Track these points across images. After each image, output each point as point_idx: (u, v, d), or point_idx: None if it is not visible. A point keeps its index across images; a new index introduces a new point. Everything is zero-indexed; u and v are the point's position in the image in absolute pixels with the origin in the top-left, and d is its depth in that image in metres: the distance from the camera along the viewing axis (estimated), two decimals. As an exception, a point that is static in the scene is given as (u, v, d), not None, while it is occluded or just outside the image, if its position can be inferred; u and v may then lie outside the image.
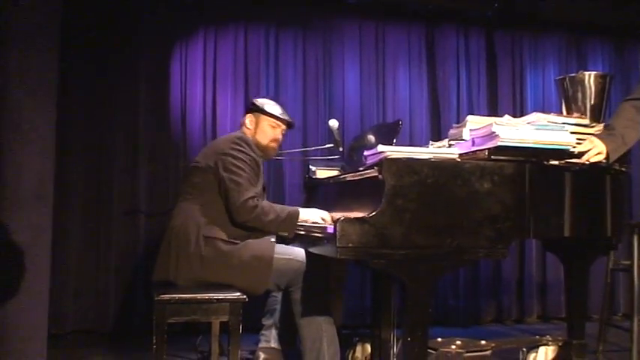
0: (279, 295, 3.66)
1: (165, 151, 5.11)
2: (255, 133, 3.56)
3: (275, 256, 3.27)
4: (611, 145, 2.96)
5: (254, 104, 3.62)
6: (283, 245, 3.35)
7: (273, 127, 3.60)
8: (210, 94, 5.21)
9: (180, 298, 2.92)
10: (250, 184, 3.27)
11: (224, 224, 3.25)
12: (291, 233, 3.27)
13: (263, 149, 3.55)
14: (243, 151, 3.32)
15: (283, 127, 3.64)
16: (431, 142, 3.51)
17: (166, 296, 2.90)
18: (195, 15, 5.20)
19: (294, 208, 3.36)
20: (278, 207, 3.32)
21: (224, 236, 3.22)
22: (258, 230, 3.29)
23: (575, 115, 3.39)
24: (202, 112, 5.17)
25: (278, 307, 3.66)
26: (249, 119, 3.59)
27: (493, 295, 5.76)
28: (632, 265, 3.86)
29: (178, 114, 5.15)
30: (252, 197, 3.23)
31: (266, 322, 3.74)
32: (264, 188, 3.50)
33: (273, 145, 3.63)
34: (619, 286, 5.85)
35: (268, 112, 3.58)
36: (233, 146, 3.33)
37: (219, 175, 3.26)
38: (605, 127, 3.09)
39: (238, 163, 3.27)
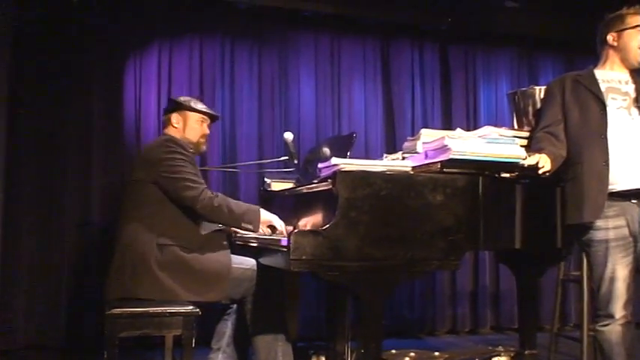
0: (229, 319, 3.58)
1: (119, 164, 5.04)
2: (183, 131, 3.51)
3: (232, 265, 3.25)
4: (551, 157, 3.03)
5: (178, 103, 3.55)
6: (236, 255, 3.34)
7: (201, 122, 3.58)
8: (165, 106, 5.15)
9: (132, 312, 2.88)
10: (198, 177, 3.26)
11: (177, 232, 3.21)
12: (256, 228, 3.23)
13: (194, 145, 3.51)
14: (176, 151, 3.25)
15: (209, 121, 3.62)
16: (385, 155, 3.54)
17: (118, 310, 2.86)
18: (149, 27, 5.16)
19: (256, 206, 3.35)
20: (237, 201, 3.32)
21: (179, 243, 3.18)
22: (219, 223, 3.27)
23: (526, 128, 3.46)
24: (156, 124, 5.12)
25: (228, 331, 3.59)
26: (175, 118, 3.51)
27: (448, 306, 5.82)
28: (581, 276, 3.93)
29: (132, 126, 5.09)
30: (206, 189, 3.22)
31: (214, 345, 3.67)
32: None
33: (203, 140, 3.60)
34: (571, 296, 5.95)
35: (195, 109, 3.54)
36: (165, 149, 3.25)
37: (162, 183, 3.20)
38: (528, 149, 3.15)
39: (178, 164, 3.22)
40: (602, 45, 3.17)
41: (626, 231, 2.95)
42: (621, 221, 2.95)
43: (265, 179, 4.08)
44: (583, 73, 3.18)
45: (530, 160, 2.92)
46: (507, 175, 3.10)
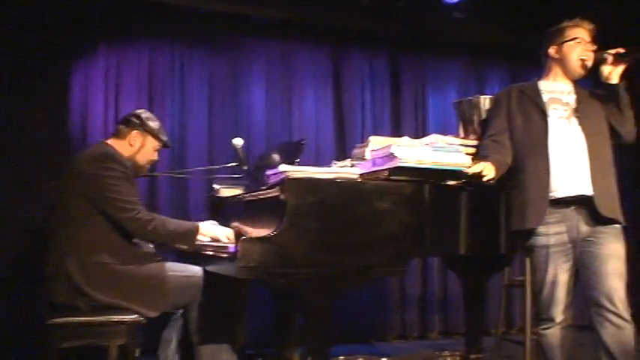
0: (175, 326, 3.51)
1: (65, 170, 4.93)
2: (137, 152, 3.43)
3: (172, 274, 3.21)
4: (495, 165, 3.08)
5: (142, 122, 3.45)
6: (179, 264, 3.30)
7: (156, 150, 3.53)
8: (112, 112, 5.07)
9: (73, 322, 2.82)
10: (134, 197, 3.18)
11: (110, 248, 3.13)
12: (192, 246, 3.20)
13: (138, 167, 3.45)
14: (113, 168, 3.17)
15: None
16: (334, 162, 3.57)
17: (59, 320, 2.80)
18: (95, 32, 5.07)
19: (194, 223, 3.30)
20: (175, 220, 3.27)
21: (112, 260, 3.11)
22: (153, 244, 3.23)
23: (472, 136, 3.52)
24: (104, 130, 5.03)
25: (174, 339, 3.50)
26: (134, 137, 3.42)
27: (397, 312, 5.86)
28: (525, 281, 4.02)
29: (79, 134, 4.99)
30: (142, 209, 3.15)
31: (160, 354, 3.58)
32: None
33: (148, 165, 3.57)
34: (516, 301, 6.06)
35: (159, 137, 3.49)
36: (102, 166, 3.16)
37: (95, 199, 3.11)
38: (474, 157, 3.23)
39: (114, 182, 3.13)
40: (545, 57, 3.26)
41: (566, 237, 3.02)
42: (561, 228, 3.02)
43: (214, 185, 4.06)
44: (528, 84, 3.27)
45: (475, 168, 2.97)
46: (453, 182, 3.16)
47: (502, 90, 3.42)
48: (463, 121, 3.68)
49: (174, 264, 3.28)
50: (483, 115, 3.53)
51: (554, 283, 3.02)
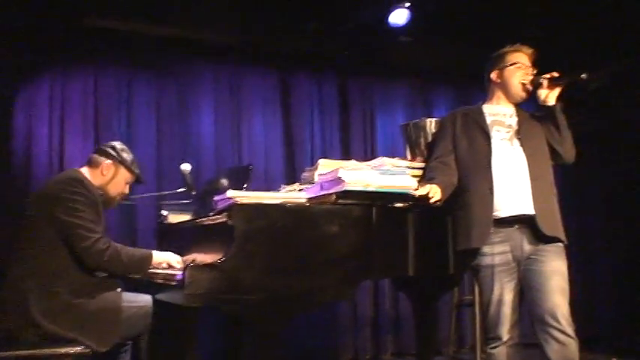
0: (125, 357, 3.43)
1: (8, 198, 4.82)
2: (108, 182, 3.39)
3: (126, 304, 3.16)
4: (441, 186, 3.13)
5: (117, 153, 3.42)
6: (130, 293, 3.25)
7: (127, 183, 3.50)
8: (57, 138, 4.99)
9: (18, 355, 2.75)
10: (95, 225, 3.12)
11: (67, 276, 3.07)
12: (145, 275, 3.18)
13: (108, 199, 3.41)
14: (80, 193, 3.13)
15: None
16: (282, 186, 3.57)
17: (2, 353, 2.72)
18: (40, 57, 5.00)
19: (148, 250, 3.27)
20: (130, 249, 3.22)
21: (68, 288, 3.04)
22: (108, 274, 3.17)
23: (419, 159, 3.58)
24: (49, 157, 4.94)
25: None
26: (107, 167, 3.37)
27: (349, 334, 5.85)
28: (474, 300, 4.07)
29: (22, 159, 4.89)
30: (100, 238, 3.09)
31: None
32: (105, 229, 3.36)
33: (119, 198, 3.52)
34: (467, 320, 6.12)
35: (133, 171, 3.45)
36: (69, 189, 3.12)
37: (58, 223, 3.06)
38: (421, 179, 3.28)
39: (78, 206, 3.09)
40: (488, 82, 3.35)
41: (510, 256, 3.08)
42: (506, 247, 3.08)
43: (162, 211, 4.02)
44: (472, 108, 3.36)
45: (421, 191, 3.01)
46: (400, 204, 3.20)
47: (447, 114, 3.50)
48: (410, 143, 3.74)
49: (126, 293, 3.23)
50: (430, 138, 3.59)
51: (500, 302, 3.07)
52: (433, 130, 3.61)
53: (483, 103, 3.36)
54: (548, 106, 3.18)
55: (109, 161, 3.39)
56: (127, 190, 3.52)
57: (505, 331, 3.07)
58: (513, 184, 3.08)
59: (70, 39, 5.03)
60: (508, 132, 3.21)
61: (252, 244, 2.73)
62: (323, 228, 2.88)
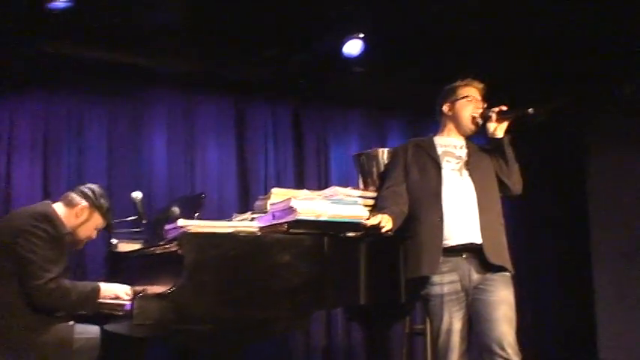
0: None
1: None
2: (80, 225, 3.34)
3: (76, 337, 3.10)
4: (392, 216, 3.17)
5: (95, 197, 3.37)
6: (79, 324, 3.19)
7: (97, 229, 3.45)
8: (4, 164, 4.88)
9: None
10: (51, 264, 3.05)
11: (21, 310, 3.00)
12: (92, 311, 3.13)
13: (75, 241, 3.38)
14: (44, 229, 3.08)
15: None
16: (235, 215, 3.55)
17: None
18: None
19: (95, 284, 3.20)
20: (79, 285, 3.16)
21: (23, 323, 2.99)
22: (59, 311, 3.11)
23: (371, 188, 3.60)
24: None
25: None
26: (82, 210, 3.33)
27: (302, 364, 5.82)
28: (425, 329, 4.09)
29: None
30: (53, 278, 3.01)
31: None
32: (67, 268, 3.30)
33: (86, 241, 3.48)
34: (419, 349, 6.13)
35: (106, 218, 3.41)
36: (34, 223, 3.07)
37: (15, 256, 3.01)
38: (373, 208, 3.31)
39: (39, 242, 3.04)
40: (439, 114, 3.44)
41: (458, 286, 3.13)
42: (454, 277, 3.13)
43: (112, 240, 3.96)
44: (424, 139, 3.45)
45: (373, 220, 3.04)
46: (352, 234, 3.21)
47: (400, 144, 3.56)
48: (362, 173, 3.76)
49: (76, 325, 3.16)
50: (382, 168, 3.63)
51: (449, 331, 3.11)
52: (386, 160, 3.65)
53: (435, 134, 3.44)
54: (497, 139, 3.27)
55: (85, 204, 3.34)
56: (94, 236, 3.49)
57: (457, 356, 3.09)
58: (462, 213, 3.14)
59: (21, 63, 4.96)
60: (458, 163, 3.28)
61: (202, 274, 2.71)
62: (274, 258, 2.87)
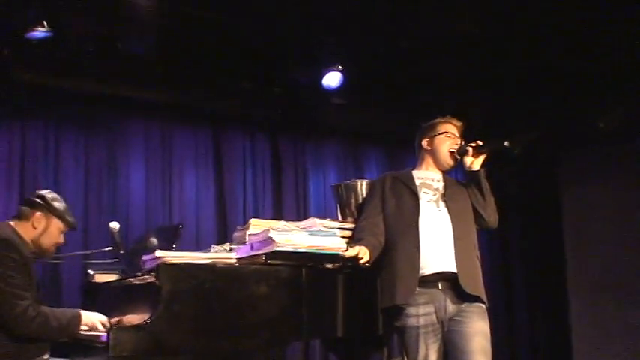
0: None
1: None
2: (41, 235, 3.23)
3: None
4: (369, 248, 3.18)
5: (47, 203, 3.26)
6: (55, 358, 3.13)
7: (61, 232, 3.39)
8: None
9: None
10: (23, 291, 2.96)
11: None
12: (72, 337, 3.03)
13: (43, 251, 3.27)
14: (8, 256, 2.98)
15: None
16: (212, 246, 3.54)
17: None
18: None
19: (76, 310, 3.12)
20: (58, 311, 3.07)
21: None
22: (40, 339, 3.06)
23: (349, 219, 3.62)
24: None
25: None
26: (38, 220, 3.21)
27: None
28: (402, 361, 4.08)
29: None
30: (29, 305, 2.93)
31: None
32: (38, 288, 3.24)
33: (54, 248, 3.41)
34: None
35: (65, 219, 3.29)
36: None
37: None
38: (351, 239, 3.34)
39: (8, 271, 2.93)
40: (418, 149, 3.49)
41: (434, 317, 3.13)
42: (430, 308, 3.12)
43: (89, 270, 3.92)
44: (402, 172, 3.50)
45: (350, 252, 3.04)
46: (330, 265, 3.22)
47: (378, 177, 3.60)
48: (341, 204, 3.78)
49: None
50: (360, 199, 3.65)
51: None
52: (364, 192, 3.68)
53: (413, 168, 3.49)
54: (473, 172, 3.33)
55: (39, 213, 3.23)
56: (62, 240, 3.36)
57: None
58: (438, 242, 3.17)
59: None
60: (435, 194, 3.32)
61: (179, 305, 2.70)
62: (252, 288, 2.87)
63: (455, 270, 3.12)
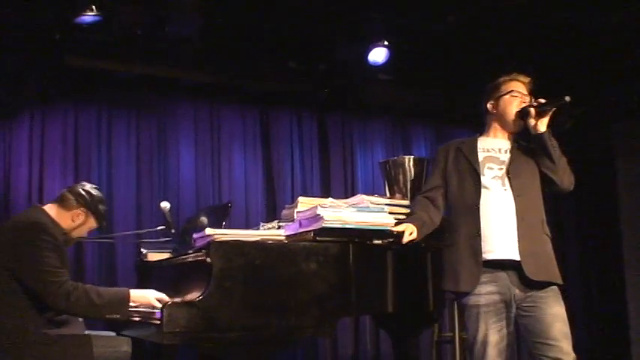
0: None
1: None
2: (74, 227, 3.30)
3: (100, 349, 3.06)
4: (418, 224, 3.08)
5: (93, 203, 3.30)
6: (104, 334, 3.20)
7: (91, 230, 3.44)
8: (37, 177, 4.98)
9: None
10: (58, 269, 3.02)
11: (28, 325, 2.98)
12: (124, 315, 3.02)
13: (68, 239, 3.34)
14: (43, 239, 3.04)
15: None
16: (262, 224, 3.57)
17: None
18: (18, 95, 5.00)
19: (124, 289, 3.14)
20: (102, 289, 3.08)
21: (31, 338, 2.95)
22: (82, 315, 3.12)
23: (397, 196, 3.61)
24: (28, 196, 4.91)
25: None
26: (78, 215, 3.28)
27: (331, 372, 5.81)
28: (454, 337, 4.07)
29: (1, 199, 4.86)
30: (66, 281, 2.98)
31: None
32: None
33: (78, 239, 3.49)
34: (447, 356, 6.09)
35: (100, 222, 3.37)
36: (31, 235, 3.03)
37: (17, 270, 2.98)
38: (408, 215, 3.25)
39: (39, 252, 2.99)
40: (485, 114, 3.20)
41: (497, 297, 2.95)
42: (493, 288, 2.96)
43: (142, 250, 4.01)
44: (467, 140, 3.22)
45: (398, 228, 3.02)
46: (379, 241, 3.21)
47: (443, 145, 3.34)
48: (388, 180, 3.77)
49: (99, 335, 3.18)
50: (408, 175, 3.63)
51: (484, 342, 2.95)
52: (412, 168, 3.65)
53: (480, 134, 3.22)
54: (539, 135, 3.02)
55: (82, 209, 3.29)
56: (86, 235, 3.48)
57: None
58: (501, 227, 2.97)
59: (50, 78, 5.06)
60: (501, 169, 3.05)
61: (229, 282, 2.73)
62: (301, 265, 2.88)
63: (518, 258, 2.91)
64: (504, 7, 4.78)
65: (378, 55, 5.39)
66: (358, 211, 3.12)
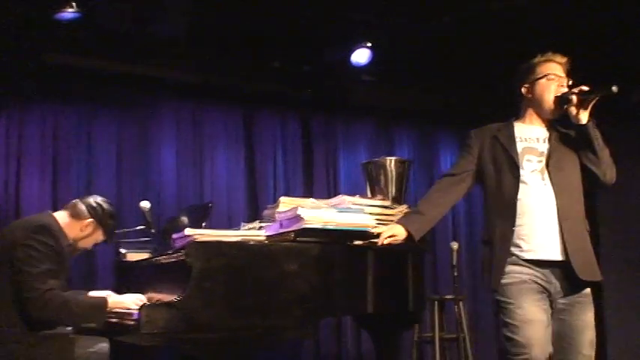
0: None
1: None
2: (82, 238, 3.33)
3: (80, 350, 3.05)
4: (415, 225, 2.94)
5: (104, 217, 3.33)
6: (84, 336, 3.18)
7: (97, 243, 3.45)
8: (14, 177, 4.92)
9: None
10: (48, 277, 3.00)
11: (16, 322, 2.98)
12: (99, 324, 3.06)
13: (74, 249, 3.35)
14: (44, 242, 3.05)
15: None
16: (243, 224, 3.55)
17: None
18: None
19: (101, 297, 3.16)
20: (81, 299, 3.11)
21: (15, 337, 2.96)
22: (58, 323, 3.11)
23: (379, 197, 3.61)
24: (4, 197, 4.85)
25: None
26: (87, 225, 3.30)
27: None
28: (434, 337, 4.08)
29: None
30: (50, 289, 2.97)
31: None
32: (68, 281, 3.29)
33: (83, 249, 3.48)
34: (428, 357, 6.10)
35: (109, 236, 3.40)
36: (33, 236, 3.04)
37: (13, 268, 2.99)
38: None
39: (37, 255, 3.00)
40: (519, 97, 2.98)
41: (540, 280, 2.76)
42: (537, 272, 2.77)
43: (121, 249, 3.97)
44: (503, 127, 2.99)
45: (381, 230, 2.99)
46: (360, 242, 3.21)
47: (477, 129, 3.06)
48: (370, 181, 3.77)
49: (79, 337, 3.15)
50: (389, 176, 3.63)
51: (530, 321, 2.70)
52: (394, 169, 3.65)
53: (516, 119, 2.99)
54: (580, 126, 2.81)
55: (91, 220, 3.31)
56: (91, 247, 3.50)
57: (540, 352, 2.67)
58: (541, 225, 2.79)
59: (29, 75, 4.99)
60: (540, 161, 2.85)
61: (209, 283, 2.71)
62: (281, 266, 2.87)
63: (561, 258, 2.75)
64: (489, 10, 4.79)
65: (361, 56, 5.39)
66: (339, 211, 3.12)
